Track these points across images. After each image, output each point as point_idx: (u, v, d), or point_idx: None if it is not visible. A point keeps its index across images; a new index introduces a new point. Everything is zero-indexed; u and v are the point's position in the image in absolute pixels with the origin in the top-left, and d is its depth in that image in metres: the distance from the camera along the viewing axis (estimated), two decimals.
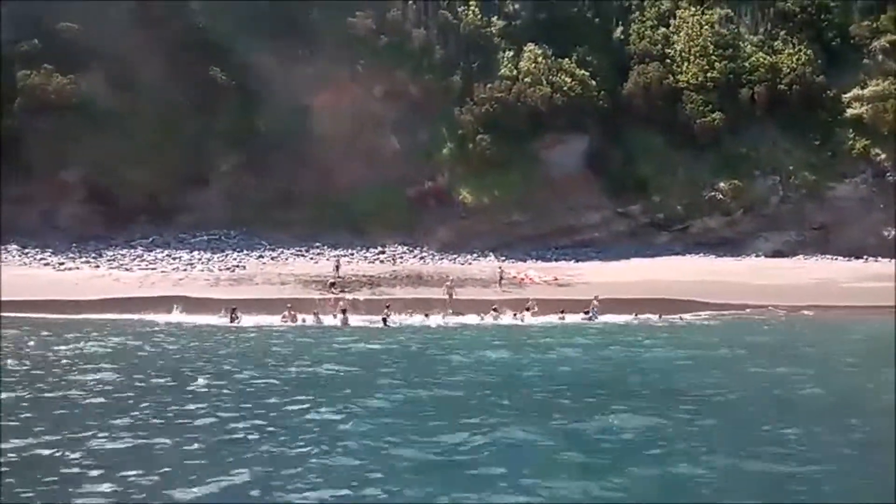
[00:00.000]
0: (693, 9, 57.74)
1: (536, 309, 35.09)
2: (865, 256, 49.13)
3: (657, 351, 23.84)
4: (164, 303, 33.93)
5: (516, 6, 57.54)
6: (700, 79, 54.52)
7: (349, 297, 37.93)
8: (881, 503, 9.64)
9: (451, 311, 35.33)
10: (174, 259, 45.09)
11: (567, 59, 54.97)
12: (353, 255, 48.14)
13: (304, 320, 32.86)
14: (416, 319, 33.65)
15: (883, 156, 52.21)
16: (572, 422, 13.74)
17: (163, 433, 12.85)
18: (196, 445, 12.13)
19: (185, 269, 43.41)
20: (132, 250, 46.01)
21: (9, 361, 20.27)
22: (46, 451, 11.70)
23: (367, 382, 17.92)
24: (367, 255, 48.72)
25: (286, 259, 46.95)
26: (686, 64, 55.50)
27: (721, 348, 24.34)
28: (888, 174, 51.87)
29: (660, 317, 34.36)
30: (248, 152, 51.07)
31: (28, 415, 14.13)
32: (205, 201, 50.36)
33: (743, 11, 58.04)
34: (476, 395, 16.45)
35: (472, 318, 34.12)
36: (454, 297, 38.09)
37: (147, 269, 43.22)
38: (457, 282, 41.04)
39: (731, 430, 13.51)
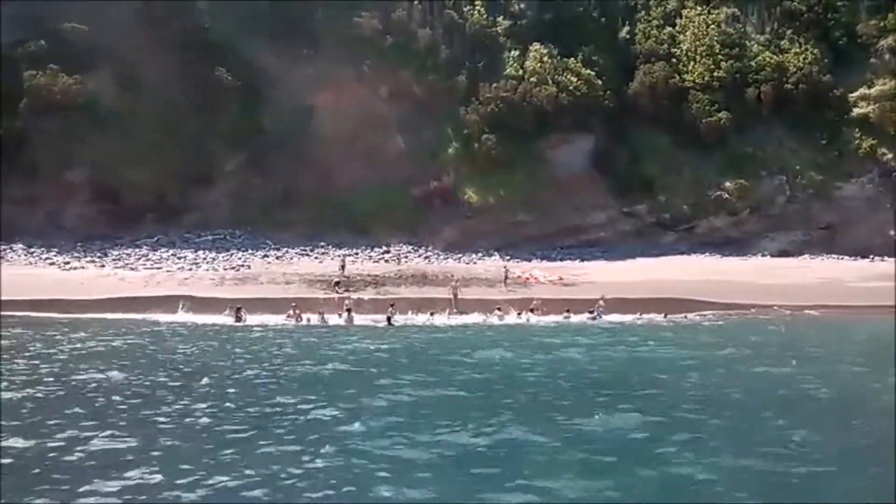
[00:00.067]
0: (699, 8, 57.59)
1: (544, 308, 35.04)
2: (872, 256, 48.90)
3: (660, 351, 23.77)
4: (170, 302, 33.97)
5: (522, 6, 57.47)
6: (706, 78, 54.37)
7: (354, 296, 37.94)
8: (881, 503, 9.59)
9: (456, 310, 35.31)
10: (179, 258, 45.20)
11: (573, 59, 54.88)
12: (357, 254, 48.14)
13: (308, 320, 32.87)
14: (421, 319, 33.63)
15: (889, 155, 51.99)
16: (575, 421, 13.69)
17: (176, 432, 12.86)
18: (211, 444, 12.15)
19: (190, 269, 43.52)
20: (137, 250, 46.13)
21: (20, 361, 20.29)
22: (60, 449, 11.74)
23: (370, 382, 17.89)
24: (372, 254, 48.74)
25: (291, 258, 47.01)
26: (692, 63, 55.35)
27: (725, 348, 24.20)
28: (895, 174, 51.64)
29: (665, 316, 34.27)
30: (252, 152, 51.15)
31: (37, 413, 14.14)
32: (210, 201, 50.47)
33: (749, 10, 57.83)
34: (479, 395, 16.43)
35: (476, 318, 34.09)
36: (459, 296, 38.08)
37: (152, 268, 43.34)
38: (462, 281, 41.07)
39: (733, 430, 13.44)
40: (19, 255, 43.99)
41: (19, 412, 14.19)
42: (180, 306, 33.45)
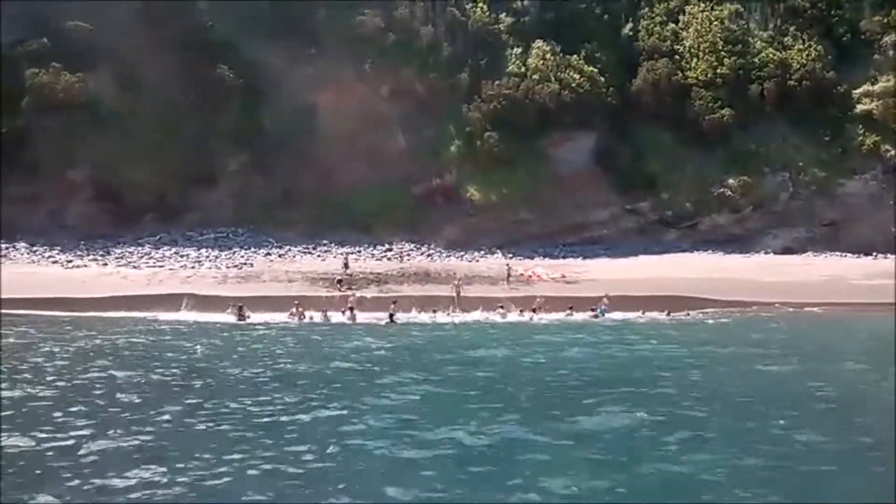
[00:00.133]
0: (702, 5, 57.48)
1: (546, 306, 35.03)
2: (875, 253, 48.77)
3: (662, 349, 23.72)
4: (173, 300, 34.00)
5: (524, 3, 57.32)
6: (709, 75, 54.27)
7: (357, 294, 37.94)
8: (881, 503, 9.56)
9: (458, 308, 35.31)
10: (182, 257, 45.24)
11: (575, 56, 54.79)
12: (360, 252, 48.14)
13: (311, 318, 32.90)
14: (424, 317, 33.66)
15: (893, 152, 51.82)
16: (575, 420, 13.67)
17: (177, 431, 12.87)
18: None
19: (192, 267, 43.57)
20: (140, 248, 46.17)
21: (22, 359, 20.32)
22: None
23: (372, 381, 17.89)
24: (375, 252, 48.74)
25: (293, 256, 47.03)
26: (695, 60, 55.25)
27: (727, 346, 24.23)
28: None
29: (668, 314, 34.24)
30: (255, 151, 51.18)
31: (39, 412, 14.17)
32: (212, 200, 50.51)
33: (753, 7, 57.70)
34: (479, 394, 16.42)
35: (479, 315, 34.09)
36: (462, 294, 38.08)
37: (155, 266, 43.38)
38: (464, 279, 41.05)
39: (734, 428, 13.41)
40: (22, 254, 44.06)
41: (20, 411, 14.20)
42: (184, 304, 33.50)
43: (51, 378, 17.72)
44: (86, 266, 43.06)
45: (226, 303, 33.76)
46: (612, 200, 52.91)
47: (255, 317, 32.37)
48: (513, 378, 18.46)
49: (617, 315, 34.16)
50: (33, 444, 11.99)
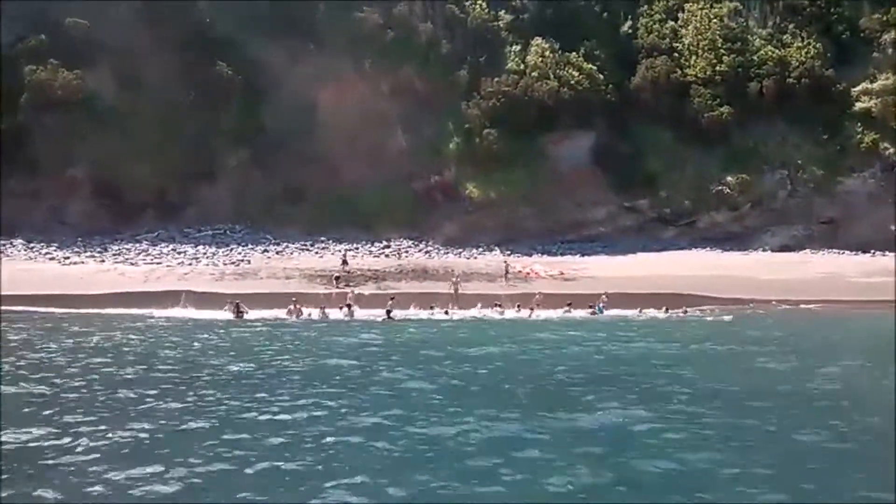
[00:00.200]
0: (701, 2, 57.42)
1: (545, 303, 35.03)
2: (873, 251, 48.67)
3: (659, 347, 23.69)
4: (171, 297, 33.93)
5: (524, 0, 57.25)
6: (708, 73, 54.21)
7: (355, 291, 37.91)
8: (881, 503, 9.52)
9: (456, 305, 35.29)
10: (179, 254, 45.21)
11: (574, 53, 54.72)
12: (358, 249, 48.12)
13: (309, 314, 32.87)
14: (421, 313, 33.67)
15: (892, 150, 51.80)
16: (570, 416, 13.65)
17: (175, 427, 12.83)
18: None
19: (190, 264, 43.56)
20: (137, 245, 46.15)
21: (19, 356, 20.28)
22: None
23: (371, 375, 17.88)
24: (373, 249, 48.71)
25: (291, 253, 47.01)
26: (694, 58, 55.19)
27: (725, 344, 24.20)
28: None
29: (666, 311, 34.23)
30: (254, 148, 51.15)
31: (35, 408, 14.14)
32: (211, 197, 50.46)
33: (752, 5, 57.62)
34: (474, 390, 16.42)
35: (477, 312, 34.09)
36: (460, 291, 38.07)
37: (152, 263, 43.36)
38: (463, 276, 41.06)
39: (729, 424, 13.38)
40: (19, 251, 44.02)
41: (18, 407, 14.18)
42: (182, 301, 33.44)
43: (45, 375, 17.66)
44: (83, 263, 43.03)
45: (223, 300, 33.72)
46: (611, 198, 52.87)
47: (253, 314, 32.32)
48: (509, 375, 18.40)
49: (615, 312, 34.15)
50: (27, 439, 11.94)
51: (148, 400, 14.86)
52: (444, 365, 19.61)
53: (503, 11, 56.81)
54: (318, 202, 49.95)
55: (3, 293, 32.82)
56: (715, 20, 56.29)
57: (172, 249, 45.76)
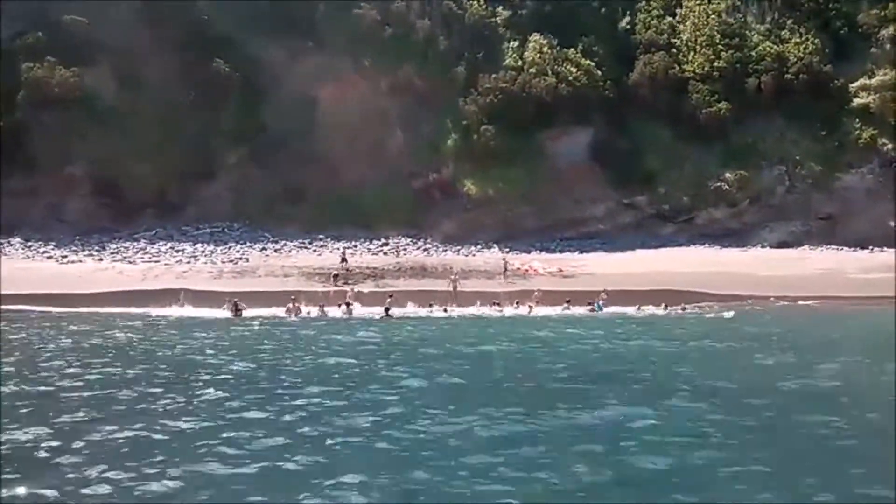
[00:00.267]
0: None
1: (544, 300, 35.04)
2: (871, 247, 48.62)
3: (658, 343, 23.69)
4: (169, 295, 33.94)
5: None
6: (706, 68, 54.11)
7: (355, 288, 37.92)
8: (881, 503, 9.51)
9: (455, 303, 35.28)
10: (178, 252, 45.16)
11: (572, 50, 54.64)
12: (356, 247, 48.08)
13: (308, 313, 32.87)
14: (420, 311, 33.71)
15: (890, 146, 51.72)
16: (570, 414, 13.63)
17: (172, 426, 12.81)
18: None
19: (188, 262, 43.55)
20: (135, 243, 46.09)
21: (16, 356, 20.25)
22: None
23: (368, 374, 17.86)
24: (371, 247, 48.67)
25: (289, 251, 46.97)
26: (692, 54, 55.10)
27: (724, 340, 24.20)
28: (895, 164, 51.46)
29: (665, 308, 34.24)
30: (253, 146, 51.09)
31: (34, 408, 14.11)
32: (210, 195, 50.41)
33: (749, 0, 57.55)
34: (472, 387, 16.42)
35: (475, 310, 34.10)
36: (459, 289, 38.08)
37: (150, 261, 43.33)
38: (461, 274, 41.07)
39: (728, 421, 13.36)
40: (17, 249, 43.95)
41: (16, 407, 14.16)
42: (181, 299, 33.43)
43: (42, 374, 17.64)
44: (81, 261, 43.00)
45: (221, 298, 33.70)
46: (609, 195, 52.80)
47: (251, 312, 32.30)
48: (507, 374, 18.39)
49: (614, 309, 34.17)
50: (25, 439, 11.92)
51: (147, 399, 14.83)
52: (442, 363, 19.60)
53: (501, 7, 56.72)
54: (316, 200, 49.90)
55: (1, 292, 32.77)
56: (713, 16, 56.19)
57: (171, 248, 45.71)
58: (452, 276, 39.82)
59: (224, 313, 32.09)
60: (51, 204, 47.79)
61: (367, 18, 54.25)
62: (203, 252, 45.31)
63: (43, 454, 11.20)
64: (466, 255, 48.28)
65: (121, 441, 11.90)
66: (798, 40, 55.01)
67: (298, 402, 14.70)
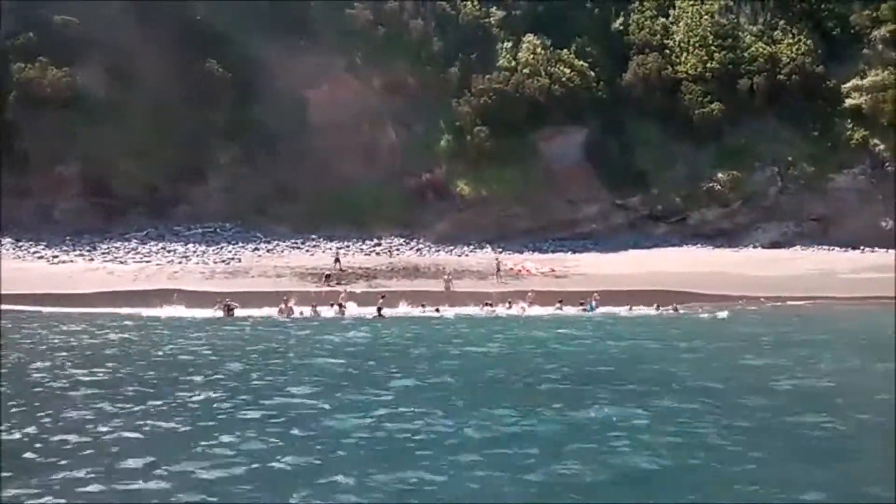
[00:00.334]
0: None
1: (537, 300, 35.04)
2: (863, 247, 48.89)
3: (650, 343, 23.69)
4: (161, 296, 33.78)
5: None
6: (699, 69, 54.26)
7: (347, 289, 37.83)
8: (881, 503, 9.49)
9: (448, 303, 35.22)
10: (169, 252, 44.95)
11: (566, 50, 54.69)
12: (349, 247, 47.98)
13: (301, 313, 32.75)
14: (412, 311, 33.64)
15: (882, 146, 52.00)
16: (565, 413, 13.60)
17: (166, 427, 12.73)
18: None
19: (180, 262, 43.35)
20: (127, 243, 45.85)
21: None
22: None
23: (359, 375, 17.80)
24: (364, 247, 48.58)
25: (282, 252, 46.84)
26: (685, 54, 55.24)
27: (713, 341, 24.23)
28: (887, 165, 51.68)
29: (657, 308, 34.23)
30: (245, 145, 50.94)
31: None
32: (202, 194, 50.24)
33: (742, 1, 57.70)
34: (465, 386, 16.37)
35: (468, 310, 34.02)
36: (452, 289, 38.03)
37: (142, 261, 43.12)
38: (454, 274, 41.02)
39: (723, 422, 13.34)
40: (7, 249, 43.68)
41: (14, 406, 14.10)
42: (174, 300, 33.28)
43: (32, 376, 17.55)
44: (72, 261, 42.76)
45: (213, 298, 33.57)
46: (602, 195, 52.88)
47: (244, 312, 32.17)
48: (499, 374, 18.34)
49: (607, 310, 34.15)
50: (19, 437, 11.87)
51: (135, 399, 14.74)
52: (432, 363, 19.55)
53: (494, 8, 56.71)
54: (309, 200, 49.78)
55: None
56: (706, 17, 56.37)
57: (162, 248, 45.52)
58: (446, 277, 39.80)
59: (216, 314, 31.93)
60: (41, 204, 47.51)
61: (361, 18, 54.20)
62: (195, 252, 45.12)
63: (29, 455, 11.12)
64: (459, 256, 48.26)
65: (107, 441, 11.82)
66: (790, 41, 55.22)
67: (286, 401, 14.65)
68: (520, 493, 9.78)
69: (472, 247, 49.64)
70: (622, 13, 57.90)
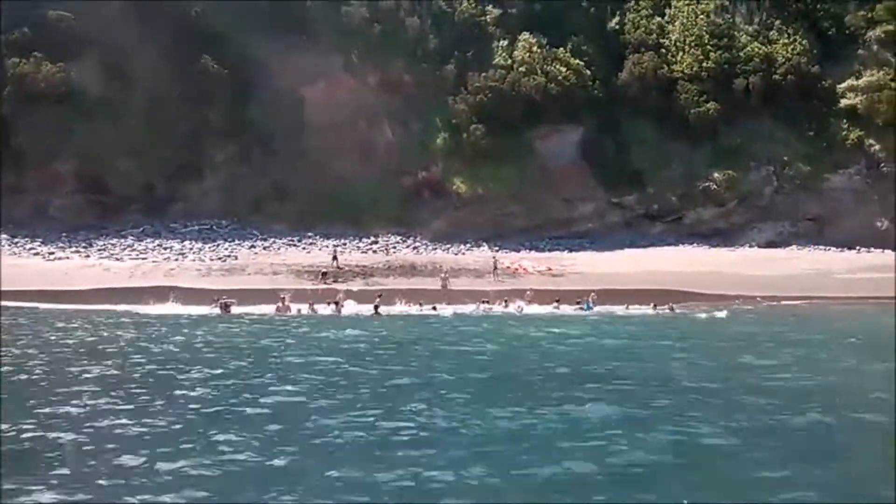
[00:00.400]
0: None
1: (535, 299, 35.08)
2: (859, 247, 49.03)
3: (647, 342, 23.72)
4: (157, 293, 33.68)
5: None
6: (695, 69, 54.34)
7: (342, 287, 37.82)
8: (881, 503, 9.51)
9: (445, 301, 35.23)
10: (165, 249, 44.93)
11: (562, 49, 54.74)
12: (346, 245, 47.95)
13: (299, 310, 32.72)
14: (409, 309, 33.62)
15: (877, 147, 52.14)
16: (561, 409, 13.60)
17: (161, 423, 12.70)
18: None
19: (176, 259, 43.30)
20: (123, 240, 45.81)
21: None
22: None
23: (356, 373, 17.79)
24: (361, 245, 48.58)
25: (278, 249, 46.82)
26: (681, 54, 55.33)
27: (708, 339, 24.30)
28: (882, 165, 51.83)
29: (654, 307, 34.28)
30: (242, 143, 50.94)
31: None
32: (198, 192, 50.21)
33: (738, 1, 57.82)
34: (462, 384, 16.35)
35: (465, 308, 34.02)
36: (449, 287, 38.04)
37: (138, 258, 43.07)
38: (451, 272, 41.04)
39: (720, 421, 13.36)
40: (3, 246, 43.58)
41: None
42: (171, 297, 33.20)
43: (28, 374, 17.49)
44: (68, 258, 42.70)
45: (210, 296, 33.49)
46: (598, 194, 52.95)
47: (241, 309, 32.11)
48: (496, 372, 18.35)
49: (603, 309, 34.19)
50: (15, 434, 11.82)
51: (127, 396, 14.69)
52: (429, 361, 19.54)
53: (490, 6, 56.75)
54: (305, 198, 49.77)
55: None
56: (701, 16, 56.48)
57: (158, 245, 45.46)
58: (443, 275, 39.81)
59: (213, 311, 31.87)
60: (37, 200, 47.42)
61: (357, 16, 54.19)
62: (191, 249, 45.08)
63: (22, 447, 11.09)
64: (456, 254, 48.28)
65: (105, 437, 11.78)
66: (786, 41, 55.35)
67: (282, 399, 14.61)
68: (516, 490, 9.77)
69: (468, 245, 49.68)
70: (618, 12, 57.95)
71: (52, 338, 23.24)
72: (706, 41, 55.33)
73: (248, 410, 13.66)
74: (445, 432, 12.24)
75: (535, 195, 51.56)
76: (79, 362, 18.58)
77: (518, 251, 48.65)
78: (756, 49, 55.10)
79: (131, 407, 13.85)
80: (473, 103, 52.38)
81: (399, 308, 33.80)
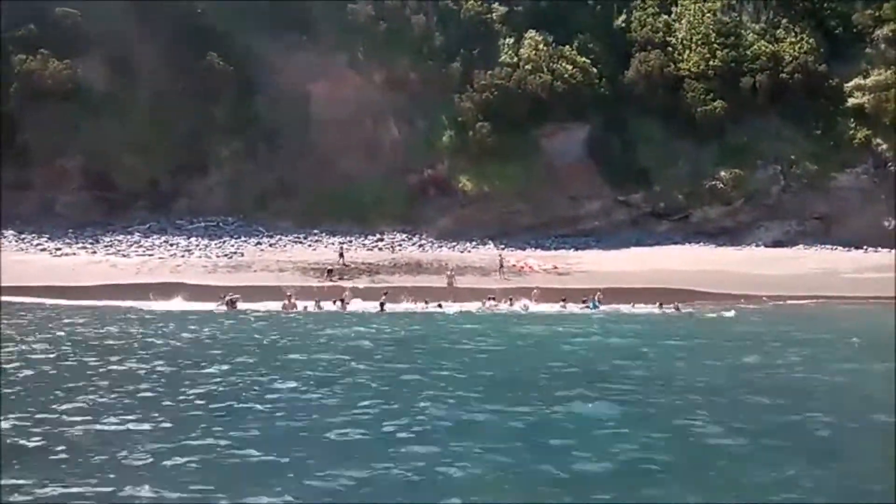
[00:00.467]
0: None
1: (541, 297, 35.05)
2: (866, 247, 48.82)
3: (652, 341, 23.64)
4: (164, 289, 33.76)
5: None
6: (701, 67, 54.19)
7: (348, 284, 37.85)
8: (881, 503, 9.50)
9: (451, 299, 35.23)
10: (172, 245, 45.06)
11: (568, 47, 54.65)
12: (351, 242, 48.02)
13: (305, 307, 32.75)
14: (415, 306, 33.63)
15: (884, 146, 51.94)
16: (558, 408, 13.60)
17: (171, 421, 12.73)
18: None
19: (182, 256, 43.41)
20: (129, 236, 45.97)
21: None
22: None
23: (365, 369, 17.80)
24: (366, 242, 48.63)
25: (284, 246, 46.89)
26: (687, 52, 55.19)
27: (713, 338, 24.24)
28: (889, 164, 51.63)
29: (660, 307, 34.17)
30: (247, 140, 51.04)
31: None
32: (203, 188, 50.33)
33: None
34: (468, 382, 16.35)
35: (472, 306, 34.02)
36: (455, 284, 38.04)
37: (144, 255, 43.20)
38: (457, 270, 41.04)
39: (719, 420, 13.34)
40: (10, 242, 43.76)
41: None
42: (177, 293, 33.28)
43: (36, 368, 17.54)
44: (75, 254, 42.84)
45: (216, 292, 33.55)
46: (605, 192, 52.86)
47: (248, 306, 32.16)
48: (502, 369, 18.34)
49: (610, 307, 34.13)
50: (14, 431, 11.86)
51: (132, 391, 14.73)
52: (434, 358, 19.53)
53: (496, 4, 56.68)
54: (311, 195, 49.82)
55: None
56: (708, 14, 56.31)
57: (165, 241, 45.60)
58: (449, 272, 39.80)
59: (220, 307, 31.92)
60: (44, 196, 47.64)
61: (362, 13, 54.21)
62: (197, 246, 45.21)
63: (21, 444, 11.12)
64: (461, 252, 48.27)
65: (110, 432, 11.82)
66: (793, 40, 55.15)
67: (287, 395, 14.64)
68: (521, 488, 9.77)
69: (474, 243, 49.67)
70: (624, 10, 57.84)
71: (60, 334, 23.30)
72: (713, 39, 55.18)
73: (256, 406, 13.73)
74: (450, 430, 12.26)
75: (541, 193, 51.50)
76: (85, 357, 18.66)
77: (524, 249, 48.62)
78: (763, 47, 54.93)
79: (137, 402, 13.93)
80: (479, 101, 52.33)
81: (405, 306, 33.83)
